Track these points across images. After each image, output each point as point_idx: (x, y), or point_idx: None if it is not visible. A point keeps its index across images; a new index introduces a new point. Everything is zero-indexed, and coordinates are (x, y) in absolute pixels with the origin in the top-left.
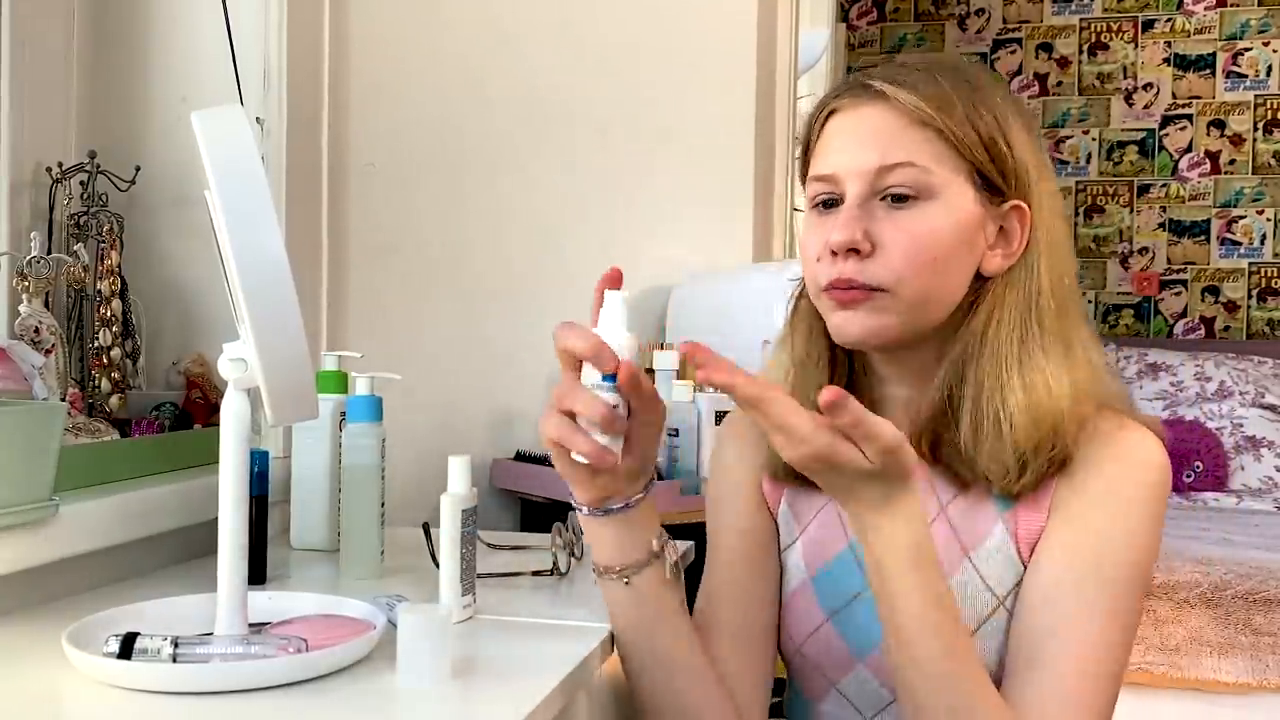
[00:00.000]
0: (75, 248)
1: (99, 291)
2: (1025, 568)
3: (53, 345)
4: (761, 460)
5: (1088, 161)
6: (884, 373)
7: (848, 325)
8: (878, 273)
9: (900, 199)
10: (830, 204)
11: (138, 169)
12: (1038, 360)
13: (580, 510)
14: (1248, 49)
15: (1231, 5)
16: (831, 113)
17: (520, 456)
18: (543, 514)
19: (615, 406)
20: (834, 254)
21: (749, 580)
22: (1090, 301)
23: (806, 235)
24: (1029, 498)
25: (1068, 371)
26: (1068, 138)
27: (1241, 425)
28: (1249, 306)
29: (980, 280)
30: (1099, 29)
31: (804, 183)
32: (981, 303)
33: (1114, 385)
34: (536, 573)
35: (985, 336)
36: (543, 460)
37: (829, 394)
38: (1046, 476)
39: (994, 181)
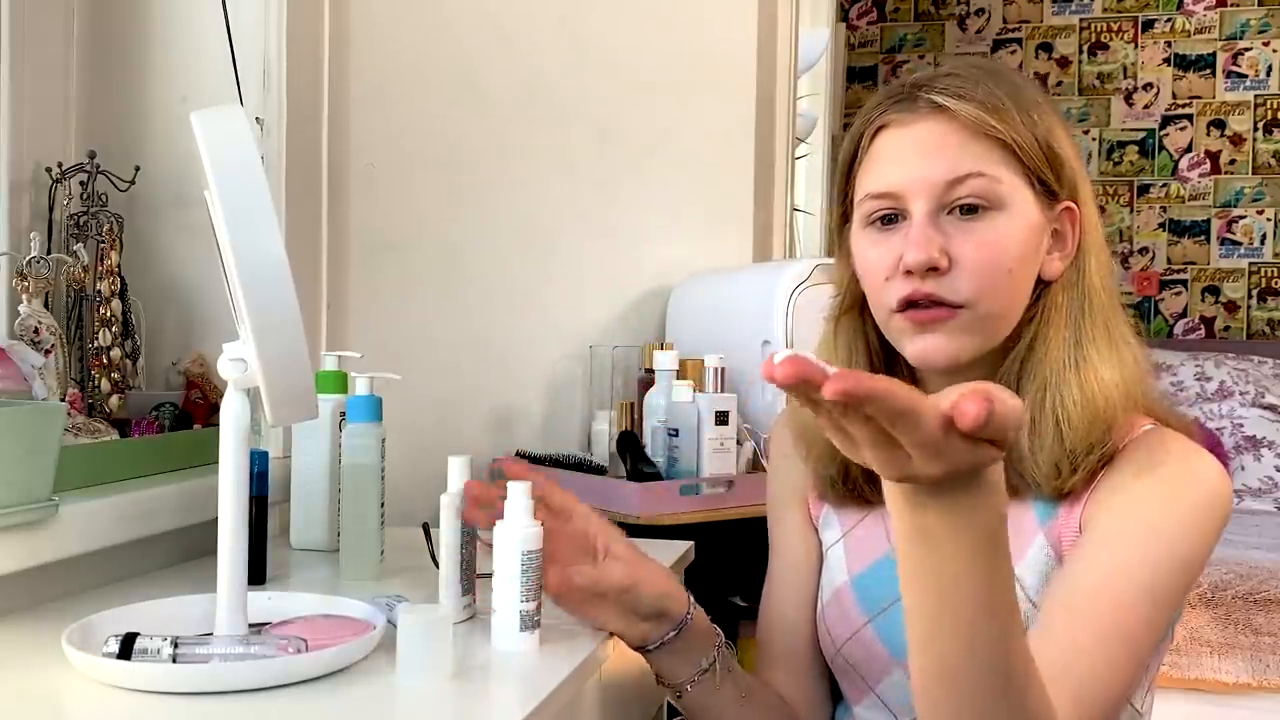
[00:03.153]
0: (75, 248)
1: (99, 291)
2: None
3: (52, 345)
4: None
5: (1088, 161)
6: (936, 387)
7: (932, 350)
8: (957, 289)
9: (971, 209)
10: (890, 219)
11: (137, 169)
12: (1091, 359)
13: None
14: (1248, 49)
15: (1231, 5)
16: (880, 128)
17: (520, 456)
18: None
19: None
20: (908, 273)
21: (805, 601)
22: None
23: (870, 254)
24: (1068, 504)
25: (1118, 368)
26: None
27: (1241, 425)
28: (1249, 306)
29: (1040, 284)
30: (1099, 29)
31: (844, 200)
32: (1041, 305)
33: (1153, 380)
34: None
35: (1043, 340)
36: (543, 460)
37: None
38: (1093, 474)
39: (1050, 185)
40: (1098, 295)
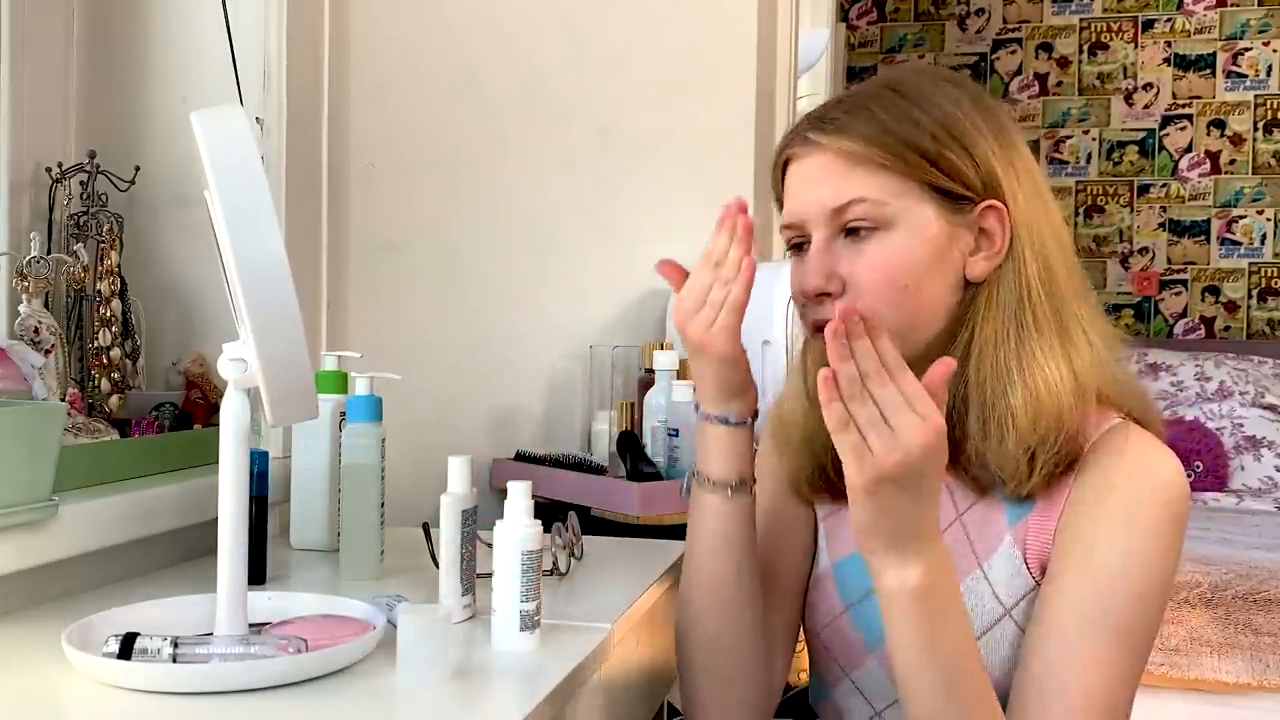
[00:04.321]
0: (75, 248)
1: (99, 291)
2: (1035, 581)
3: (52, 345)
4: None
5: (1088, 161)
6: None
7: None
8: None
9: (860, 231)
10: (799, 247)
11: (137, 169)
12: (1035, 355)
13: (708, 417)
14: (1248, 49)
15: (1231, 5)
16: (787, 161)
17: (520, 456)
18: (543, 514)
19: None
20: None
21: (780, 528)
22: None
23: (791, 281)
24: (1040, 508)
25: (1066, 360)
26: (1068, 138)
27: (1241, 425)
28: (1249, 306)
29: (971, 285)
30: (1099, 29)
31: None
32: (975, 307)
33: (1117, 368)
34: None
35: (983, 338)
36: (543, 460)
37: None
38: (1059, 477)
39: (952, 191)
40: (1036, 286)
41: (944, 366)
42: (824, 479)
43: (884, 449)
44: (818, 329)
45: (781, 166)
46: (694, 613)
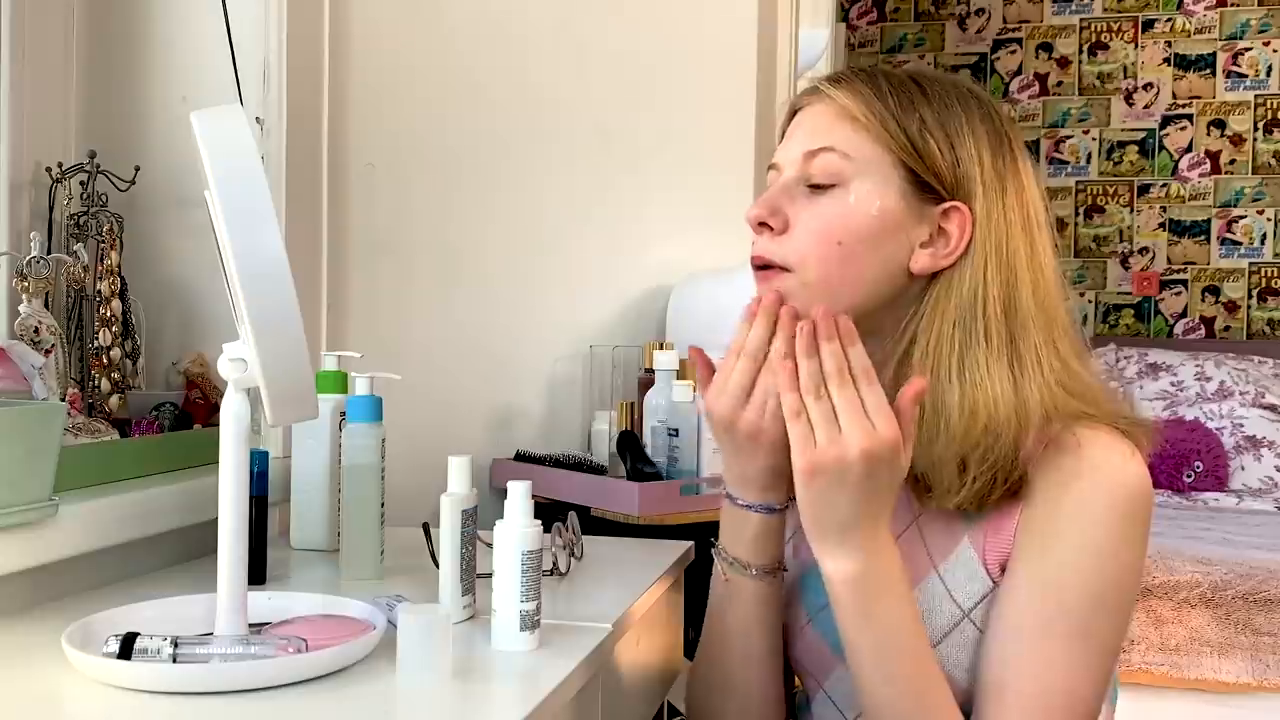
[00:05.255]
0: (75, 248)
1: (99, 291)
2: (994, 583)
3: (53, 345)
4: None
5: (1088, 161)
6: None
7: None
8: (783, 252)
9: (818, 187)
10: None
11: (138, 169)
12: (979, 364)
13: (751, 506)
14: (1248, 49)
15: (1231, 5)
16: (795, 112)
17: (520, 456)
18: (543, 514)
19: None
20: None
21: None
22: (1090, 301)
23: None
24: (993, 519)
25: (1011, 379)
26: (1068, 138)
27: (1241, 425)
28: (1249, 306)
29: (919, 281)
30: (1099, 29)
31: None
32: (921, 304)
33: (1094, 400)
34: None
35: (923, 338)
36: (543, 460)
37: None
38: (1002, 499)
39: (925, 180)
40: (994, 306)
41: (914, 387)
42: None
43: (827, 442)
44: (750, 261)
45: (789, 118)
46: (723, 682)
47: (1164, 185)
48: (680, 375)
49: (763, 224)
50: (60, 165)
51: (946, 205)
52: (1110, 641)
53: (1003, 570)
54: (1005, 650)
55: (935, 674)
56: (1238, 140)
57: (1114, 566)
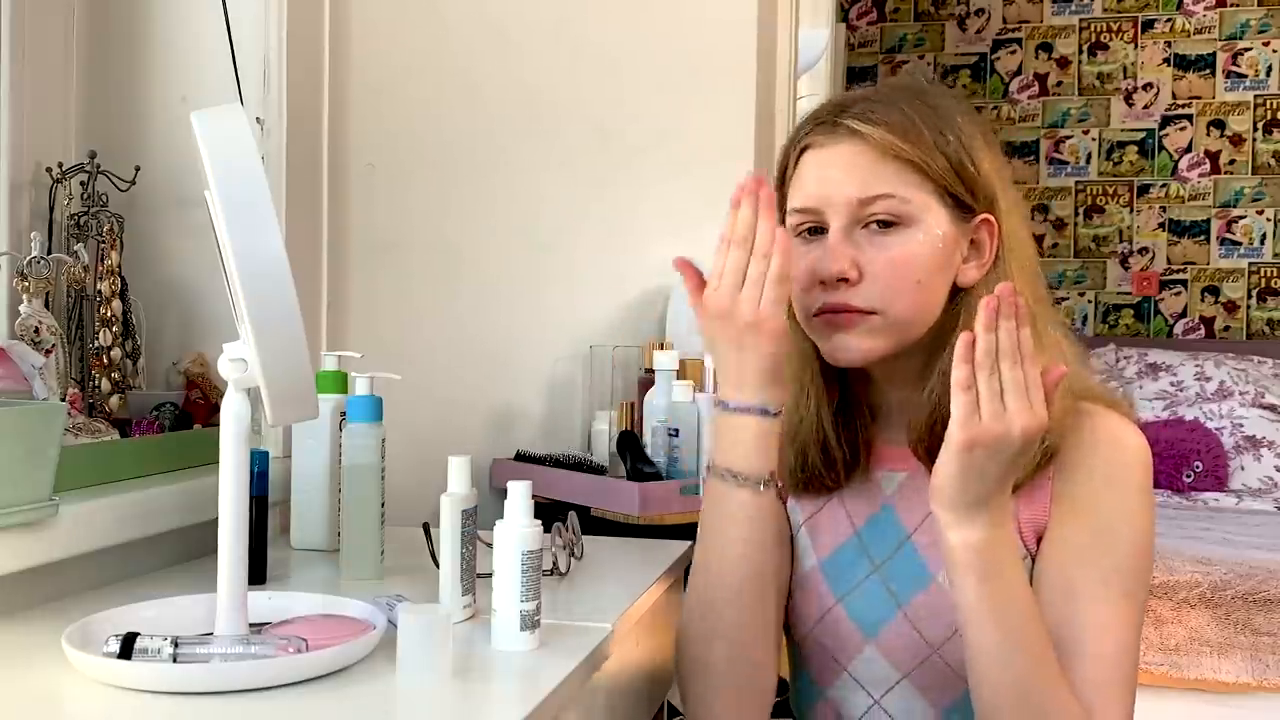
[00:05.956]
0: (75, 248)
1: (99, 291)
2: (1028, 553)
3: (53, 345)
4: None
5: (1088, 161)
6: (879, 381)
7: (844, 347)
8: (868, 297)
9: (883, 224)
10: (814, 231)
11: (138, 169)
12: None
13: (744, 409)
14: (1248, 49)
15: (1231, 5)
16: (805, 148)
17: (520, 456)
18: (543, 514)
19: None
20: (822, 283)
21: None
22: (1090, 301)
23: (796, 265)
24: (1025, 490)
25: (1043, 363)
26: (1068, 138)
27: (1241, 425)
28: (1249, 306)
29: (958, 290)
30: (1099, 29)
31: (782, 212)
32: (962, 311)
33: (1086, 374)
34: None
35: None
36: (543, 460)
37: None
38: (1038, 469)
39: (963, 200)
40: (1024, 298)
41: (1056, 373)
42: (804, 471)
43: (991, 417)
44: (820, 313)
45: (798, 153)
46: (716, 618)
47: (1164, 185)
48: (680, 375)
49: (843, 279)
50: (60, 165)
51: (979, 219)
52: (1145, 594)
53: (1038, 540)
54: (1062, 611)
55: (1049, 638)
56: (1237, 140)
57: (1146, 529)
